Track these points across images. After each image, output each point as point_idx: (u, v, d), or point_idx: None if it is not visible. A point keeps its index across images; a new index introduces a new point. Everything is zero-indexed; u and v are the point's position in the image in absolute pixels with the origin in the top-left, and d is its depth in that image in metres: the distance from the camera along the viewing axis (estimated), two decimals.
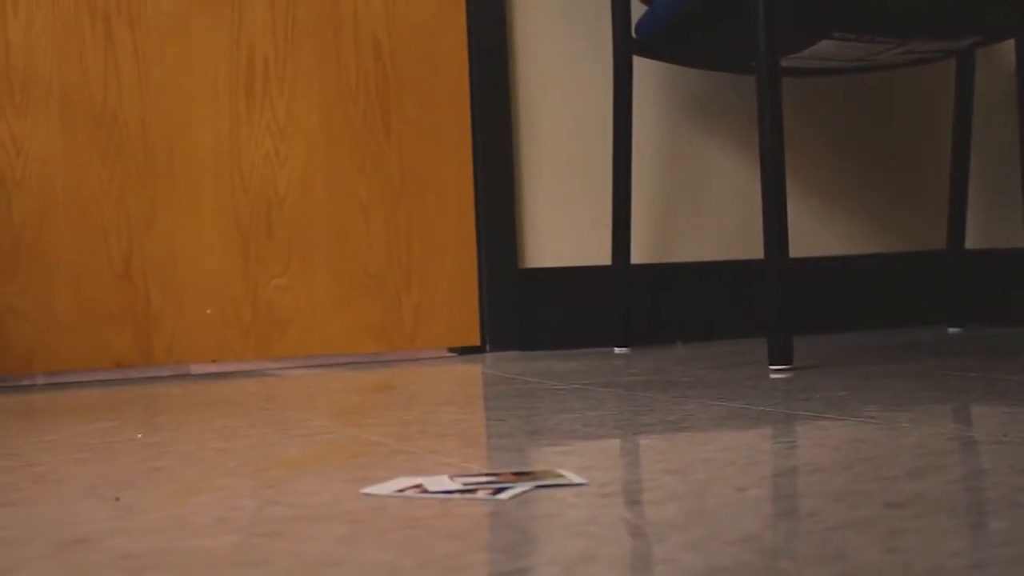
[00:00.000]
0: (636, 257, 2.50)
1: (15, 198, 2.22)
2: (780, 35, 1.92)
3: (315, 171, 2.36)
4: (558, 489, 0.96)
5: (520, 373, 2.00)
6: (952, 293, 2.56)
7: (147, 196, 2.28)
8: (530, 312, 2.46)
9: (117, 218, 2.27)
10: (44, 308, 2.23)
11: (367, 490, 0.99)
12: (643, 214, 2.53)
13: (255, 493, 1.00)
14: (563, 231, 2.49)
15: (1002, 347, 2.10)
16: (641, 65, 2.50)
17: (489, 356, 2.39)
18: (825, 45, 2.12)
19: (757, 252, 2.60)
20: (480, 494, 0.95)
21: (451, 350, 2.45)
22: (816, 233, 2.65)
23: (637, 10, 2.41)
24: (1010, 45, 2.71)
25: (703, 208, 2.58)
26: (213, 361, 2.31)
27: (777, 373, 1.81)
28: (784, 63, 2.24)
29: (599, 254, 2.50)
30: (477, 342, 2.44)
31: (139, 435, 1.41)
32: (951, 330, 2.54)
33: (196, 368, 2.30)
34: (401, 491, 0.97)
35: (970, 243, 2.67)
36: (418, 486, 0.99)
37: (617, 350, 2.37)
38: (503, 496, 0.94)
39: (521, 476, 1.02)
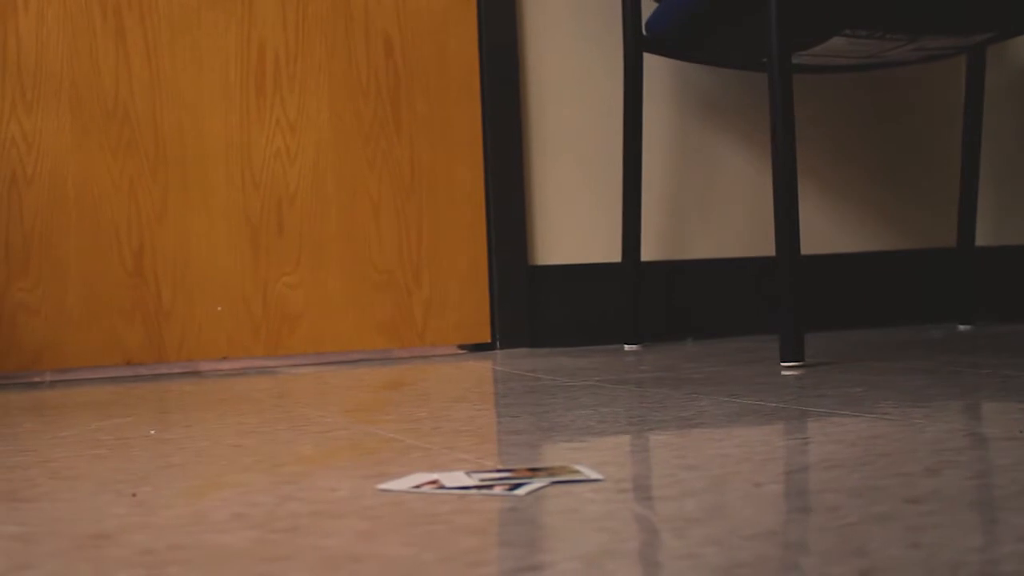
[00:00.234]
0: (646, 254, 2.50)
1: (26, 194, 2.22)
2: (792, 31, 1.91)
3: (326, 167, 2.36)
4: (575, 485, 0.96)
5: (531, 370, 2.00)
6: (962, 290, 2.56)
7: (158, 192, 2.28)
8: (540, 309, 2.46)
9: (128, 214, 2.27)
10: (55, 304, 2.23)
11: (384, 486, 0.99)
12: (653, 211, 2.53)
13: (273, 489, 1.00)
14: (573, 228, 2.49)
15: (1013, 344, 2.10)
16: (651, 62, 2.50)
17: (499, 353, 2.39)
18: (836, 42, 2.12)
19: (767, 249, 2.60)
20: (497, 490, 0.95)
21: (461, 347, 2.45)
22: (826, 230, 2.65)
23: (647, 7, 2.41)
24: (1021, 41, 2.71)
25: (713, 205, 2.58)
26: (224, 358, 2.31)
27: (789, 370, 1.81)
28: (795, 60, 2.24)
29: (609, 251, 2.50)
30: (487, 339, 2.45)
31: (152, 431, 1.41)
32: (961, 327, 2.53)
33: (206, 365, 2.31)
34: (418, 487, 0.97)
35: (980, 240, 2.67)
36: (435, 482, 0.99)
37: (627, 347, 2.37)
38: (520, 492, 0.94)
39: (537, 472, 1.02)
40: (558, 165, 2.48)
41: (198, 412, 1.60)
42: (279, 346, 2.33)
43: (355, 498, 0.94)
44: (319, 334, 2.35)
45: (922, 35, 2.15)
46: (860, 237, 2.68)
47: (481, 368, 2.11)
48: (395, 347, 2.40)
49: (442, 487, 0.97)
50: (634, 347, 2.37)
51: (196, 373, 2.23)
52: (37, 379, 2.23)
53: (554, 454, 1.13)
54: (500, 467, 1.06)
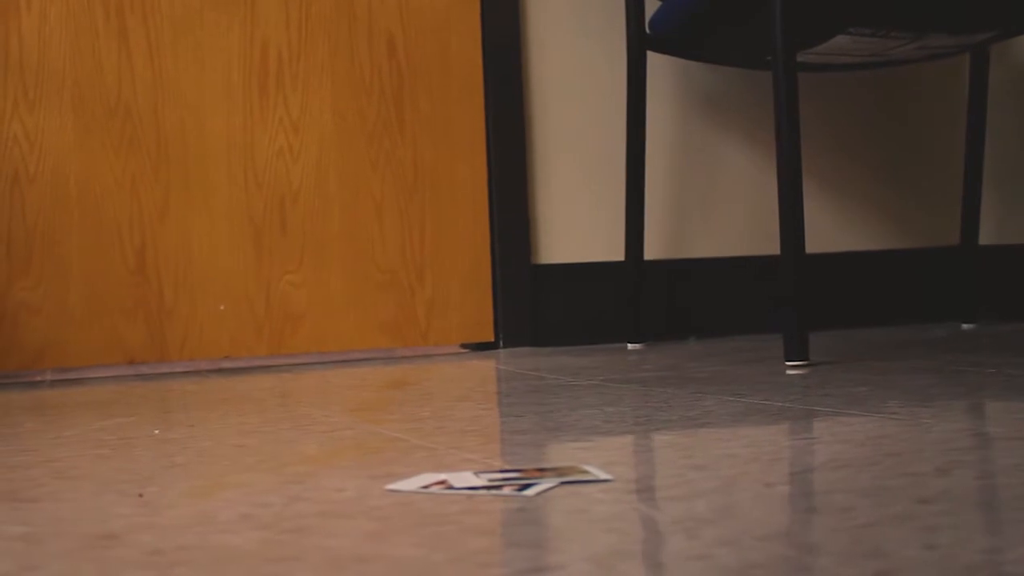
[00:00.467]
0: (649, 253, 2.49)
1: (28, 193, 2.22)
2: (796, 30, 1.91)
3: (328, 166, 2.36)
4: (584, 485, 0.96)
5: (535, 369, 1.99)
6: (965, 289, 2.55)
7: (160, 191, 2.28)
8: (543, 308, 2.45)
9: (130, 213, 2.26)
10: (56, 303, 2.22)
11: (392, 486, 0.98)
12: (656, 210, 2.52)
13: (278, 489, 0.99)
14: (576, 227, 2.48)
15: (1016, 343, 2.10)
16: (654, 60, 2.49)
17: (502, 352, 2.38)
18: (840, 40, 2.11)
19: (770, 248, 2.59)
20: (506, 490, 0.94)
21: (464, 346, 2.44)
22: (829, 229, 2.64)
23: (651, 5, 2.40)
24: None
25: (716, 204, 2.57)
26: (226, 357, 2.30)
27: (793, 369, 1.80)
28: (799, 58, 2.23)
29: (612, 250, 2.49)
30: (491, 338, 2.44)
31: (156, 431, 1.41)
32: (964, 326, 2.53)
33: (208, 364, 2.30)
34: (426, 487, 0.97)
35: (983, 239, 2.66)
36: (443, 482, 0.98)
37: (630, 346, 2.37)
38: (529, 492, 0.93)
39: (546, 472, 1.01)
40: (561, 164, 2.48)
41: (201, 412, 1.59)
42: (282, 345, 2.33)
43: (362, 498, 0.94)
44: (322, 333, 2.35)
45: (925, 34, 2.14)
46: (863, 236, 2.67)
47: (484, 367, 2.10)
48: (398, 346, 2.39)
49: (450, 487, 0.96)
50: (637, 346, 2.36)
51: (198, 372, 2.23)
52: (38, 378, 2.22)
53: (561, 454, 1.12)
54: (508, 467, 1.05)
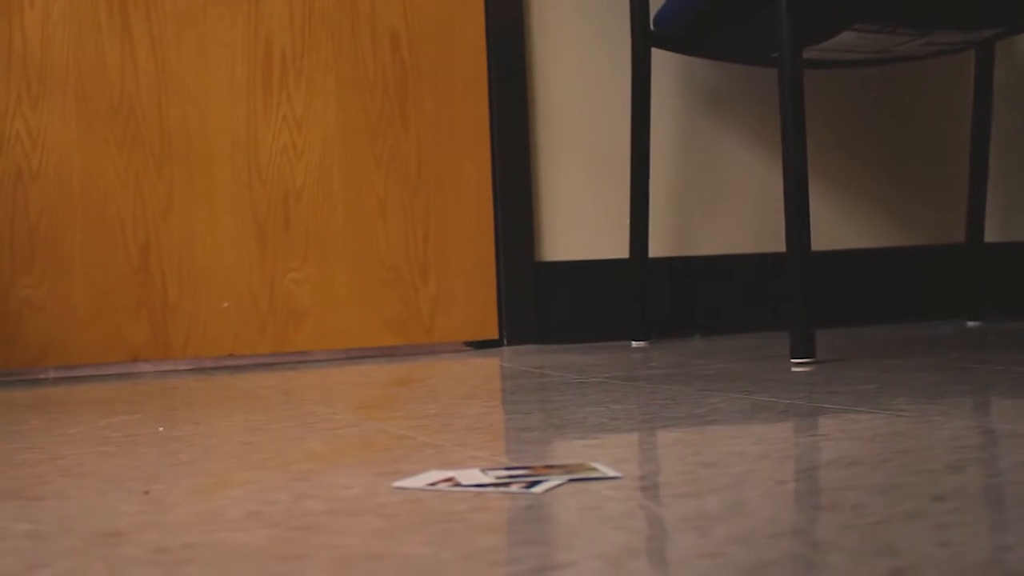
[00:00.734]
0: (654, 250, 2.48)
1: (31, 190, 2.21)
2: (802, 27, 1.90)
3: (332, 163, 2.35)
4: (593, 482, 0.95)
5: (539, 366, 1.99)
6: (971, 286, 2.54)
7: (164, 187, 2.27)
8: (547, 305, 2.44)
9: (134, 210, 2.26)
10: (60, 301, 2.22)
11: (399, 484, 0.98)
12: (661, 207, 2.52)
13: (286, 487, 0.99)
14: (581, 224, 2.48)
15: (1022, 340, 2.09)
16: (658, 57, 2.49)
17: (507, 349, 2.38)
18: (846, 37, 2.10)
19: (774, 245, 2.58)
20: (514, 487, 0.94)
21: (468, 343, 2.44)
22: (834, 227, 2.64)
23: (655, 2, 2.40)
24: None
25: (721, 201, 2.56)
26: (230, 354, 2.30)
27: (800, 366, 1.80)
28: (804, 55, 2.22)
29: (617, 247, 2.49)
30: (495, 335, 2.43)
31: (161, 428, 1.40)
32: (970, 323, 2.52)
33: (212, 361, 2.29)
34: (433, 484, 0.96)
35: (989, 236, 2.66)
36: (450, 479, 0.98)
37: (635, 343, 2.36)
38: (538, 489, 0.93)
39: (554, 469, 1.01)
40: (565, 161, 2.47)
41: (205, 409, 1.59)
42: (286, 342, 2.32)
43: (370, 496, 0.93)
44: (326, 330, 2.34)
45: (931, 30, 2.14)
46: (868, 233, 2.67)
47: (489, 365, 2.10)
48: (402, 343, 2.39)
49: (458, 485, 0.95)
50: (642, 343, 2.36)
51: (202, 370, 2.22)
52: (42, 376, 2.21)
53: (568, 451, 1.12)
54: (516, 464, 1.05)
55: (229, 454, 1.18)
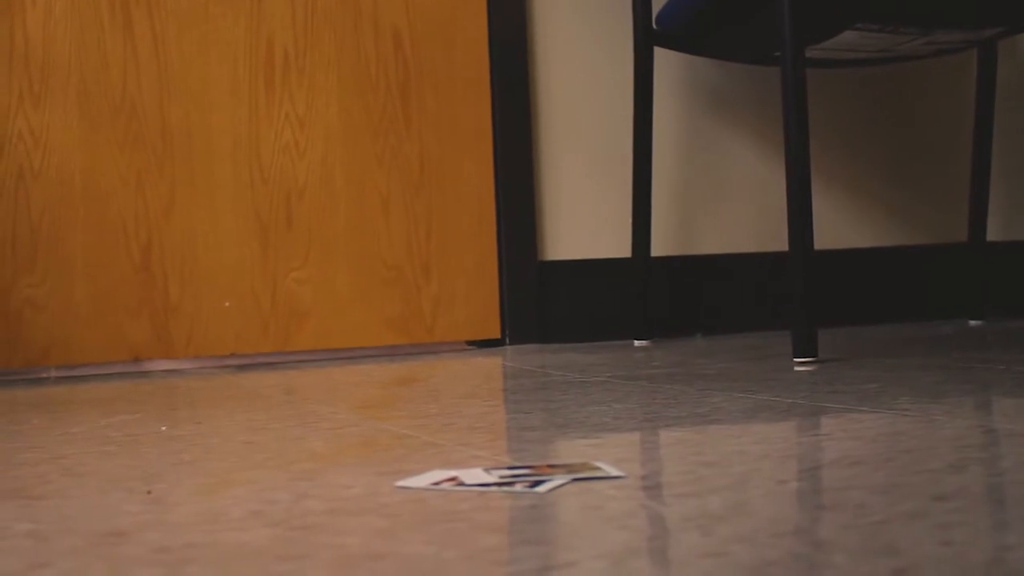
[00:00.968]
0: (656, 249, 2.48)
1: (33, 189, 2.21)
2: (805, 25, 1.90)
3: (334, 162, 2.35)
4: (596, 482, 0.95)
5: (541, 366, 1.99)
6: (973, 286, 2.54)
7: (166, 186, 2.27)
8: (550, 305, 2.44)
9: (136, 209, 2.26)
10: (61, 300, 2.22)
11: (402, 483, 0.97)
12: (663, 206, 2.51)
13: (287, 486, 0.99)
14: (583, 223, 2.47)
15: None
16: (660, 55, 2.48)
17: (509, 349, 2.38)
18: (848, 36, 2.10)
19: (777, 244, 2.58)
20: (517, 487, 0.94)
21: (470, 342, 2.43)
22: (836, 226, 2.64)
23: (658, 1, 2.40)
24: None
25: (723, 200, 2.56)
26: (232, 354, 2.30)
27: (802, 366, 1.80)
28: (806, 54, 2.22)
29: (619, 246, 2.49)
30: (497, 334, 2.43)
31: (163, 428, 1.40)
32: (972, 323, 2.52)
33: (214, 361, 2.29)
34: (436, 484, 0.96)
35: (991, 235, 2.65)
36: (453, 479, 0.98)
37: (637, 343, 2.36)
38: (541, 489, 0.92)
39: (557, 468, 1.00)
40: (567, 160, 2.47)
41: (207, 408, 1.58)
42: (287, 342, 2.32)
43: (372, 495, 0.93)
44: (328, 330, 2.34)
45: (934, 29, 2.13)
46: (870, 232, 2.66)
47: (491, 364, 2.09)
48: (404, 343, 2.38)
49: (461, 484, 0.95)
50: (644, 343, 2.36)
51: (204, 369, 2.22)
52: (44, 375, 2.21)
53: (571, 451, 1.12)
54: (518, 464, 1.05)
55: (231, 454, 1.18)
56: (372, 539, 0.78)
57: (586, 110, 2.48)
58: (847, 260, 2.63)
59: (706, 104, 2.56)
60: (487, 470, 1.00)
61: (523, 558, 0.72)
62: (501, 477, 0.97)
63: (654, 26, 2.33)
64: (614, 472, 0.98)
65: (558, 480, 0.95)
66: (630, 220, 2.47)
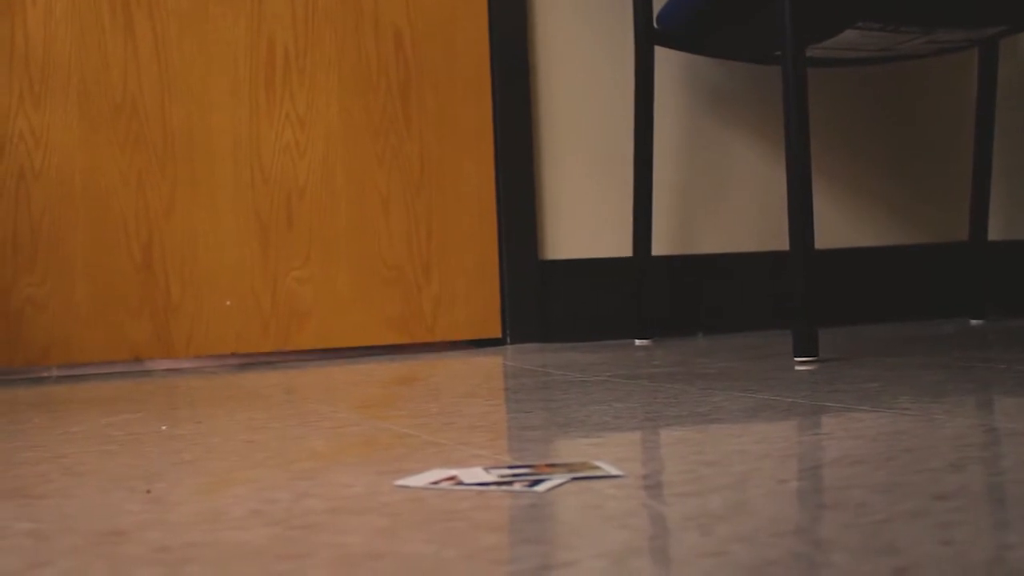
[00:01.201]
0: (657, 249, 2.48)
1: (34, 188, 2.21)
2: (805, 24, 1.90)
3: (335, 162, 2.35)
4: (595, 481, 0.95)
5: (542, 365, 1.99)
6: (974, 285, 2.54)
7: (166, 186, 2.27)
8: (550, 304, 2.44)
9: (136, 208, 2.26)
10: (62, 299, 2.22)
11: (401, 482, 0.97)
12: (664, 205, 2.51)
13: (288, 485, 0.99)
14: (584, 222, 2.47)
15: None
16: (661, 54, 2.48)
17: (510, 348, 2.38)
18: (849, 35, 2.10)
19: (777, 244, 2.58)
20: (517, 486, 0.93)
21: (471, 342, 2.43)
22: (837, 225, 2.64)
23: (658, 0, 2.39)
24: None
25: (724, 199, 2.56)
26: (232, 353, 2.30)
27: (803, 365, 1.79)
28: (807, 53, 2.22)
29: (620, 246, 2.49)
30: (498, 334, 2.43)
31: (164, 427, 1.40)
32: (973, 322, 2.52)
33: (214, 360, 2.29)
34: (436, 483, 0.96)
35: (993, 235, 2.65)
36: (453, 478, 0.98)
37: (638, 342, 2.36)
38: (540, 488, 0.92)
39: (556, 468, 1.00)
40: (568, 159, 2.47)
41: (208, 408, 1.58)
42: (288, 341, 2.32)
43: (372, 494, 0.93)
44: (328, 329, 2.34)
45: (935, 28, 2.13)
46: (871, 232, 2.66)
47: (491, 363, 2.09)
48: (405, 342, 2.38)
49: (460, 483, 0.95)
50: (644, 342, 2.36)
51: (204, 368, 2.22)
52: (45, 374, 2.21)
53: (571, 450, 1.11)
54: (518, 463, 1.04)
55: (231, 453, 1.18)
56: (372, 538, 0.78)
57: (587, 109, 2.48)
58: (848, 259, 2.63)
59: (707, 103, 2.56)
60: (486, 469, 1.00)
61: (523, 557, 0.72)
62: (500, 476, 0.97)
63: (655, 25, 2.33)
64: (614, 471, 0.98)
65: (557, 479, 0.95)
66: (631, 219, 2.47)
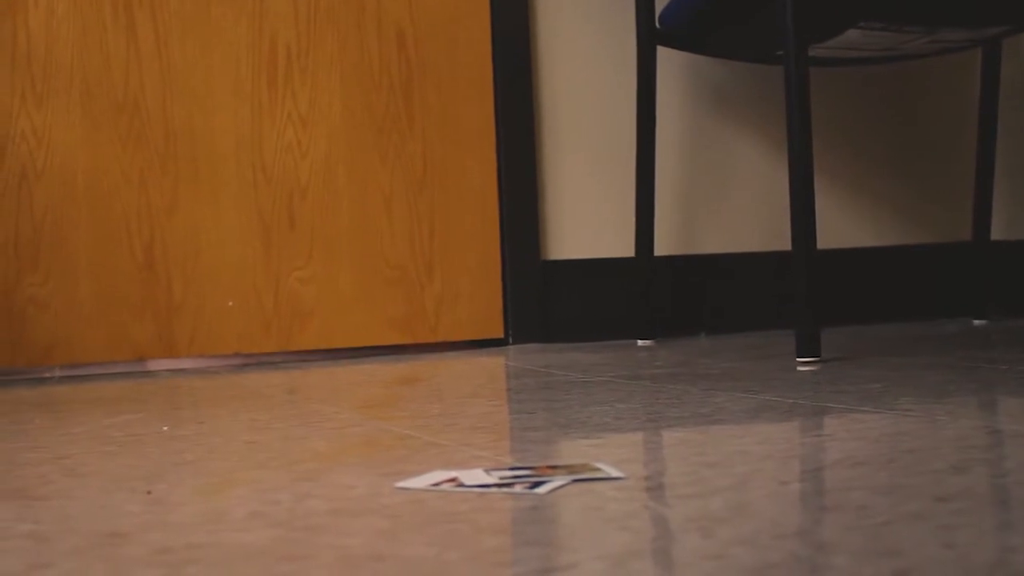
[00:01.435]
0: (659, 249, 2.48)
1: (36, 188, 2.21)
2: (808, 24, 1.90)
3: (337, 161, 2.35)
4: (596, 483, 0.95)
5: (545, 365, 1.99)
6: (977, 285, 2.54)
7: (169, 185, 2.27)
8: (553, 304, 2.44)
9: (139, 208, 2.25)
10: (65, 299, 2.22)
11: (402, 484, 0.97)
12: (666, 205, 2.51)
13: (289, 486, 0.99)
14: (586, 222, 2.47)
15: None
16: (663, 54, 2.48)
17: (512, 348, 2.38)
18: (852, 34, 2.10)
19: (780, 244, 2.58)
20: (517, 488, 0.93)
21: (473, 342, 2.43)
22: (840, 225, 2.63)
23: (660, 0, 2.40)
24: None
25: (726, 199, 2.56)
26: (235, 353, 2.30)
27: (805, 365, 1.79)
28: (810, 52, 2.22)
29: (622, 246, 2.48)
30: (500, 334, 2.43)
31: (165, 428, 1.40)
32: (976, 322, 2.52)
33: (217, 360, 2.29)
34: (437, 485, 0.96)
35: (996, 234, 2.65)
36: (453, 480, 0.97)
37: (640, 342, 2.36)
38: (541, 490, 0.92)
39: (557, 469, 1.00)
40: (571, 159, 2.47)
41: (210, 408, 1.58)
42: (290, 341, 2.32)
43: (373, 496, 0.93)
44: (331, 329, 2.34)
45: (938, 28, 2.13)
46: (874, 231, 2.66)
47: (494, 364, 2.09)
48: (407, 342, 2.38)
49: (461, 485, 0.95)
50: (647, 342, 2.35)
51: (207, 368, 2.22)
52: (47, 374, 2.21)
53: (573, 451, 1.11)
54: (519, 464, 1.04)
55: (233, 454, 1.18)
56: (374, 540, 0.78)
57: (589, 108, 2.48)
58: (850, 259, 2.63)
59: (709, 103, 2.56)
60: (487, 471, 1.00)
61: (524, 559, 0.72)
62: (501, 478, 0.97)
63: (657, 24, 2.33)
64: (614, 473, 0.98)
65: (558, 481, 0.95)
66: (633, 219, 2.47)
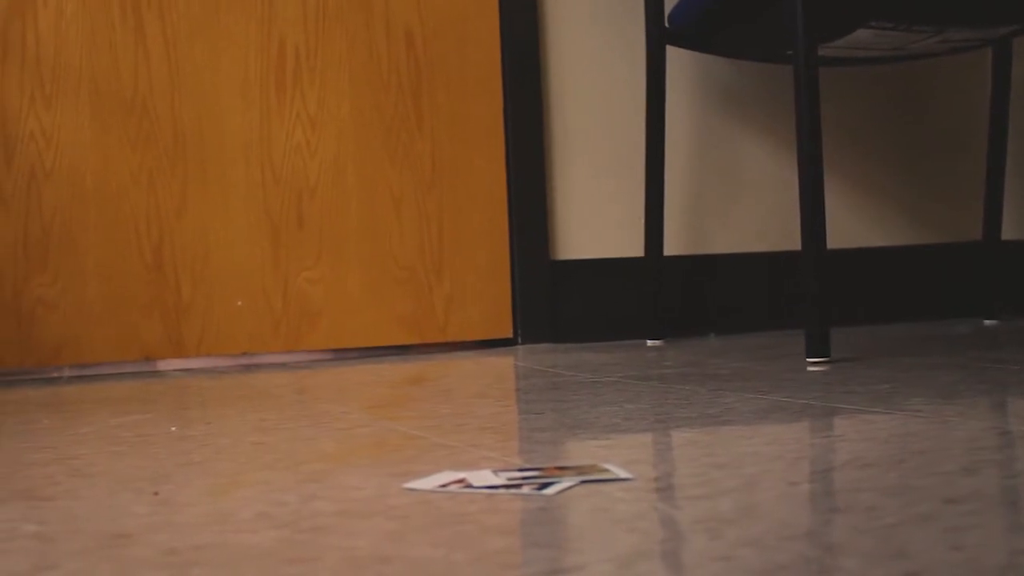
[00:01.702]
0: (669, 248, 2.47)
1: (45, 189, 2.21)
2: (817, 23, 1.89)
3: (346, 161, 2.35)
4: (604, 484, 0.94)
5: (553, 366, 1.98)
6: (988, 284, 2.53)
7: (177, 186, 2.27)
8: (562, 304, 2.44)
9: (147, 209, 2.25)
10: (73, 299, 2.22)
11: (410, 485, 0.97)
12: (675, 205, 2.51)
13: (296, 487, 0.99)
14: (595, 222, 2.47)
15: None
16: (674, 54, 2.48)
17: (521, 348, 2.37)
18: (861, 34, 2.09)
19: (790, 244, 2.57)
20: (525, 489, 0.93)
21: (482, 342, 2.43)
22: (849, 224, 2.63)
23: (670, 0, 2.39)
24: None
25: (736, 199, 2.55)
26: (243, 353, 2.30)
27: (815, 366, 1.79)
28: (819, 52, 2.21)
29: (631, 245, 2.48)
30: (509, 334, 2.43)
31: (173, 428, 1.40)
32: (987, 322, 2.51)
33: (225, 360, 2.29)
34: (445, 486, 0.96)
35: (1006, 234, 2.64)
36: (461, 481, 0.97)
37: (650, 342, 2.35)
38: (549, 491, 0.92)
39: (565, 471, 1.00)
40: (579, 158, 2.46)
41: (218, 408, 1.58)
42: (299, 341, 2.32)
43: (380, 497, 0.93)
44: (339, 329, 2.34)
45: (948, 27, 2.12)
46: (884, 231, 2.65)
47: (503, 364, 2.09)
48: (416, 342, 2.38)
49: (469, 486, 0.95)
50: (656, 342, 2.35)
51: (215, 369, 2.22)
52: (56, 375, 2.22)
53: (581, 452, 1.11)
54: (527, 465, 1.04)
55: (241, 454, 1.18)
56: (381, 541, 0.78)
57: (598, 108, 2.48)
58: (860, 259, 2.62)
59: (718, 102, 2.55)
60: (495, 472, 1.00)
61: (532, 561, 0.72)
62: (509, 479, 0.97)
63: (666, 24, 2.32)
64: (623, 474, 0.97)
65: (566, 482, 0.95)
66: (642, 219, 2.46)
